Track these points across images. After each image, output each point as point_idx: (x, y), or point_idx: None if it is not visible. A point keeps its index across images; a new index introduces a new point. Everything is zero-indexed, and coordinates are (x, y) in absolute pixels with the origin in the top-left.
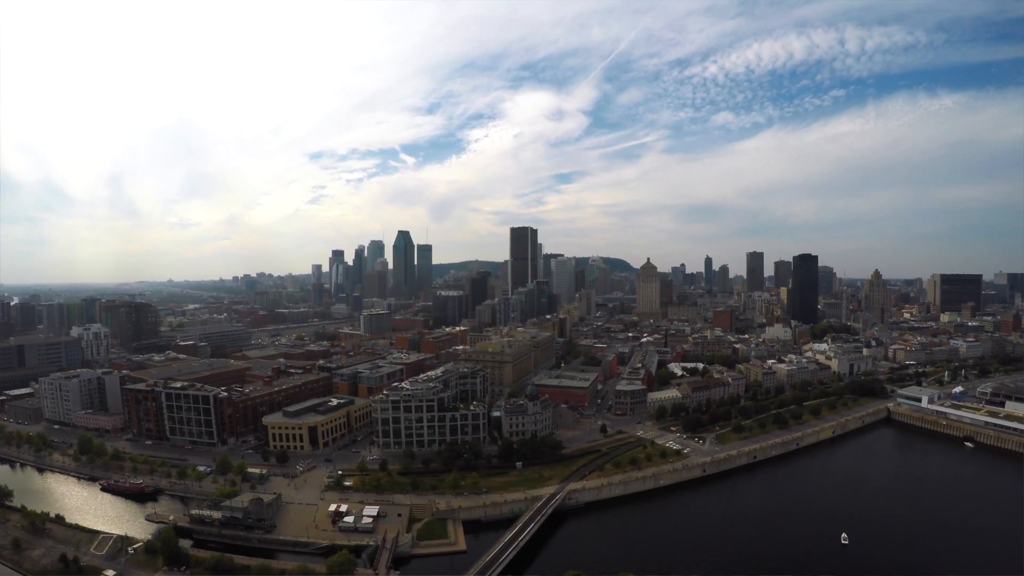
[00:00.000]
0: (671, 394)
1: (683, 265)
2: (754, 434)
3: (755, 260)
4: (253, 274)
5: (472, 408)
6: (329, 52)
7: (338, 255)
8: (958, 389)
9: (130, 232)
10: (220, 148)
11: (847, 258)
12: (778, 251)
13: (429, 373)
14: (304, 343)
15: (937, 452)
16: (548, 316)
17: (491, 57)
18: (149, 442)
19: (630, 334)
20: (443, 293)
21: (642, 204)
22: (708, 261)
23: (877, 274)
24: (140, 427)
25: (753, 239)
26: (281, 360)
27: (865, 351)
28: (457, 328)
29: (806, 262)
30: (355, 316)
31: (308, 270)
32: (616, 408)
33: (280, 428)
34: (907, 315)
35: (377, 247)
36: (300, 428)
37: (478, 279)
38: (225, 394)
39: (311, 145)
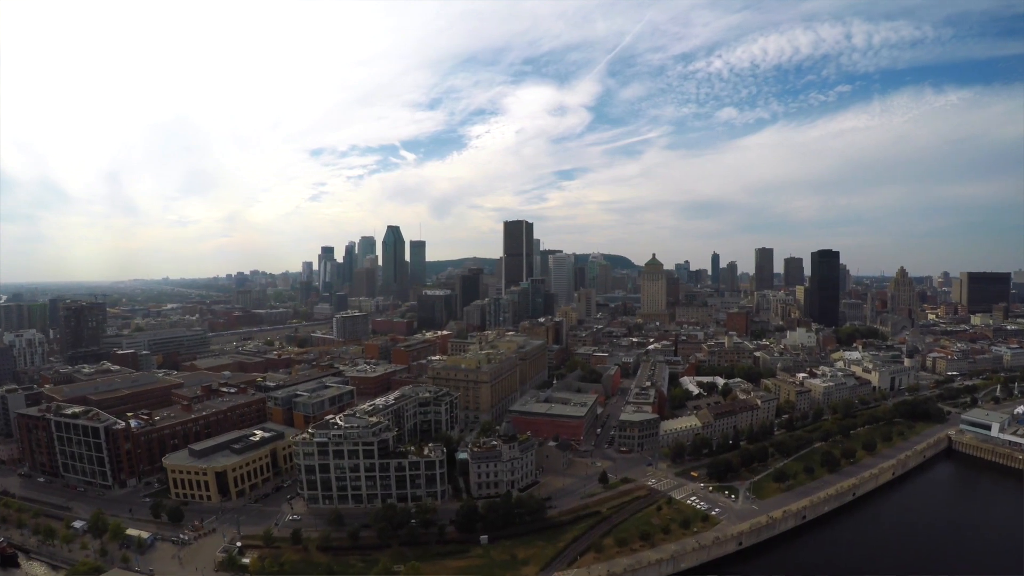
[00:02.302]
0: (689, 423)
1: (687, 262)
2: (799, 481)
3: (764, 257)
4: (247, 272)
5: (426, 454)
6: (329, 46)
7: (328, 252)
8: (1020, 409)
9: (128, 230)
10: (218, 145)
11: (850, 256)
12: (781, 248)
13: (377, 400)
14: (271, 348)
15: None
16: (541, 319)
17: (493, 51)
18: (43, 479)
19: (634, 339)
20: (429, 292)
21: (644, 201)
22: (715, 258)
23: (903, 272)
24: (34, 460)
25: (754, 236)
26: (226, 373)
27: (907, 361)
28: (439, 333)
29: (826, 259)
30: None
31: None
32: (620, 443)
33: (181, 472)
34: (932, 316)
35: (368, 243)
36: (205, 473)
37: (469, 277)
38: (122, 424)
39: (311, 141)
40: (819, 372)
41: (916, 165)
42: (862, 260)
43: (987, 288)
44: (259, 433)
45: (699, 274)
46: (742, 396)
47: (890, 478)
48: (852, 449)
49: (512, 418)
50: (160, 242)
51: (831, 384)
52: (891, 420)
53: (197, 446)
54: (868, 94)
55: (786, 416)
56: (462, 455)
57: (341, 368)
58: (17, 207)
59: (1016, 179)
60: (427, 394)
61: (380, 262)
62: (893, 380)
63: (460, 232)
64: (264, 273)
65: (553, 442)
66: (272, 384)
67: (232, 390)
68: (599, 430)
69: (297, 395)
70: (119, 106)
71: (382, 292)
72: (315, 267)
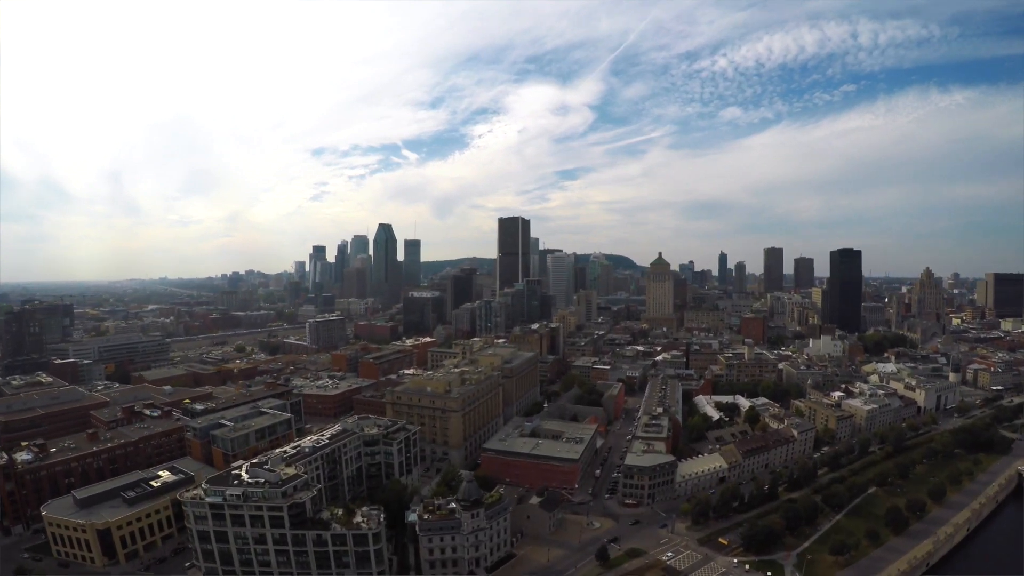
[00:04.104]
0: (712, 464)
1: (691, 262)
2: (862, 551)
3: (773, 257)
4: (243, 272)
5: (357, 522)
6: (330, 45)
7: (319, 251)
8: None
9: (130, 229)
10: (220, 144)
11: None
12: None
13: (305, 441)
14: (239, 355)
15: None
16: (535, 325)
17: (496, 49)
18: None
19: (640, 348)
20: (416, 294)
21: (646, 201)
22: (722, 258)
23: (928, 273)
24: None
25: (756, 236)
26: (166, 388)
27: (951, 376)
28: (420, 340)
29: (847, 258)
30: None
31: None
32: (626, 493)
33: (59, 527)
34: (957, 321)
35: (361, 242)
36: (84, 530)
37: (461, 277)
38: (4, 458)
39: (313, 141)
40: (856, 390)
41: (920, 165)
42: (866, 261)
43: (1012, 290)
44: (164, 475)
45: (704, 275)
46: (773, 424)
47: (965, 535)
48: (920, 501)
49: (487, 458)
50: (162, 242)
51: (874, 407)
52: (950, 452)
53: (83, 492)
54: (873, 94)
55: (827, 448)
56: (412, 516)
57: (299, 384)
58: (19, 206)
59: (1020, 179)
60: (375, 430)
61: (373, 262)
62: (939, 398)
63: (462, 232)
64: (259, 273)
65: (538, 497)
66: (200, 407)
67: (155, 413)
68: (599, 470)
69: (220, 424)
70: (120, 106)
71: (372, 293)
72: (308, 267)
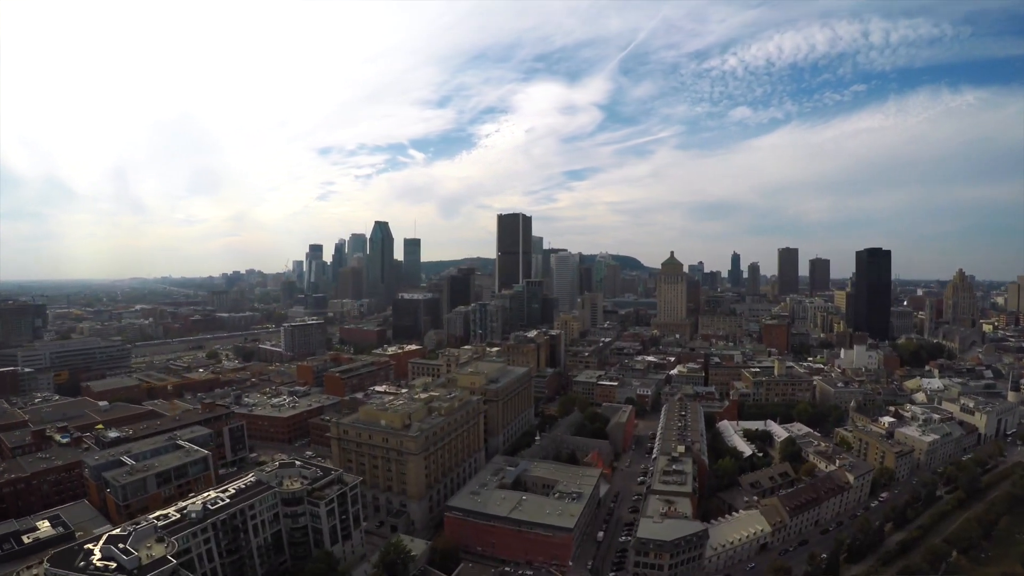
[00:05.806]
0: (752, 528)
1: (701, 263)
2: None
3: (788, 258)
4: (243, 271)
5: None
6: (336, 43)
7: (316, 250)
8: None
9: (135, 228)
10: (225, 143)
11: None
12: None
13: (194, 503)
14: (211, 363)
15: None
16: (532, 333)
17: (504, 47)
18: None
19: (651, 358)
20: (407, 296)
21: (653, 201)
22: (735, 258)
23: (961, 275)
24: None
25: (763, 238)
26: (102, 404)
27: (1011, 396)
28: (406, 347)
29: (876, 258)
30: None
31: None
32: (638, 574)
33: None
34: (988, 327)
35: (359, 241)
36: None
37: (459, 278)
38: None
39: (319, 140)
40: (907, 413)
41: (929, 166)
42: None
43: None
44: (42, 527)
45: (714, 276)
46: (821, 464)
47: None
48: (1016, 574)
49: (452, 520)
50: (167, 240)
51: (935, 437)
52: None
53: None
54: (884, 94)
55: (885, 495)
56: None
57: (252, 402)
58: (24, 204)
59: None
60: (297, 483)
61: (369, 261)
62: (999, 422)
63: (468, 232)
64: (258, 272)
65: None
66: (112, 435)
67: (65, 439)
68: (602, 531)
69: (119, 463)
70: (125, 104)
71: (368, 293)
72: (304, 266)
